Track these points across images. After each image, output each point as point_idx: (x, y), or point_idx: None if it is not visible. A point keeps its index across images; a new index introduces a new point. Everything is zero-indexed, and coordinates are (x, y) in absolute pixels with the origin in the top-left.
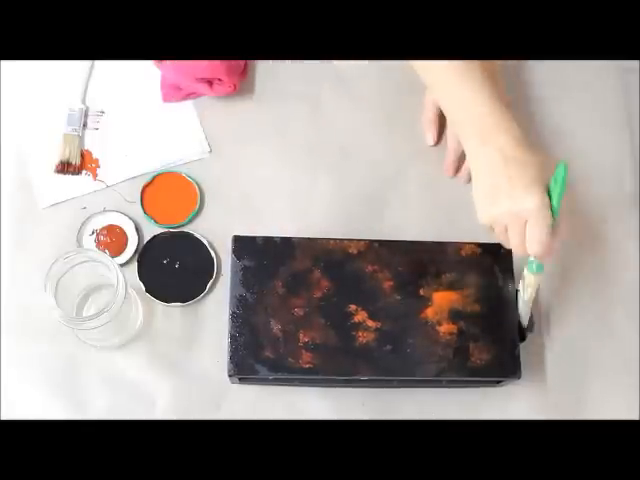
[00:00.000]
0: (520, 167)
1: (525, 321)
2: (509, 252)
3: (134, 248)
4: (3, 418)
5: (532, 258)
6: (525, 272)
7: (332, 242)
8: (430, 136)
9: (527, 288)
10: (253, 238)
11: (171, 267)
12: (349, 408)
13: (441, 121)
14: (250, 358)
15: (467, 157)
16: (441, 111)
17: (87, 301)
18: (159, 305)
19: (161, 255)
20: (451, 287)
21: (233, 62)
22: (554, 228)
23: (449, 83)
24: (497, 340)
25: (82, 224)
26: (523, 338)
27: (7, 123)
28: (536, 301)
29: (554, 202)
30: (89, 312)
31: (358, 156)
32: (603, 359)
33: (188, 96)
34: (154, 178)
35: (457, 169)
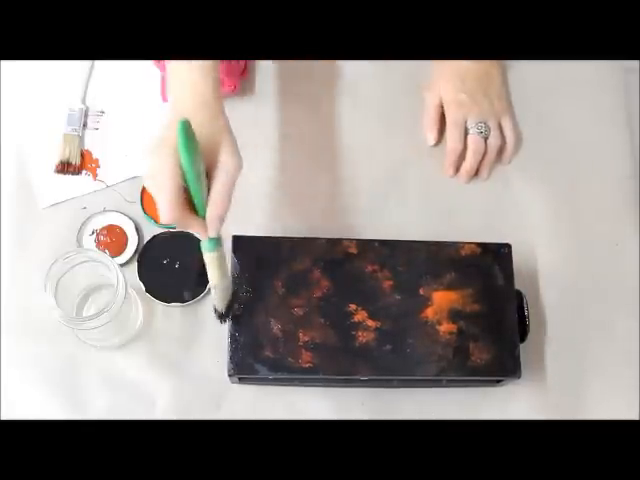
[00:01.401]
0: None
1: (221, 306)
2: (509, 252)
3: (134, 248)
4: (3, 418)
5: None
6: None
7: (332, 242)
8: (431, 136)
9: (209, 269)
10: (253, 238)
11: (171, 267)
12: (349, 408)
13: (441, 121)
14: (250, 358)
15: None
16: (442, 111)
17: (87, 301)
18: (159, 305)
19: (161, 255)
20: (451, 287)
21: (233, 62)
22: (207, 195)
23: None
24: (497, 340)
25: (82, 224)
26: (523, 338)
27: (7, 123)
28: (226, 280)
29: (183, 162)
30: (89, 312)
31: (358, 156)
32: (603, 359)
33: None
34: None
35: (457, 169)
